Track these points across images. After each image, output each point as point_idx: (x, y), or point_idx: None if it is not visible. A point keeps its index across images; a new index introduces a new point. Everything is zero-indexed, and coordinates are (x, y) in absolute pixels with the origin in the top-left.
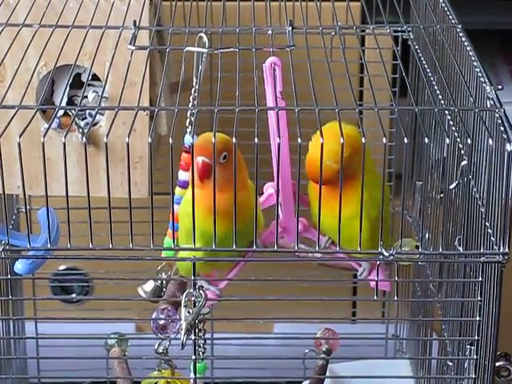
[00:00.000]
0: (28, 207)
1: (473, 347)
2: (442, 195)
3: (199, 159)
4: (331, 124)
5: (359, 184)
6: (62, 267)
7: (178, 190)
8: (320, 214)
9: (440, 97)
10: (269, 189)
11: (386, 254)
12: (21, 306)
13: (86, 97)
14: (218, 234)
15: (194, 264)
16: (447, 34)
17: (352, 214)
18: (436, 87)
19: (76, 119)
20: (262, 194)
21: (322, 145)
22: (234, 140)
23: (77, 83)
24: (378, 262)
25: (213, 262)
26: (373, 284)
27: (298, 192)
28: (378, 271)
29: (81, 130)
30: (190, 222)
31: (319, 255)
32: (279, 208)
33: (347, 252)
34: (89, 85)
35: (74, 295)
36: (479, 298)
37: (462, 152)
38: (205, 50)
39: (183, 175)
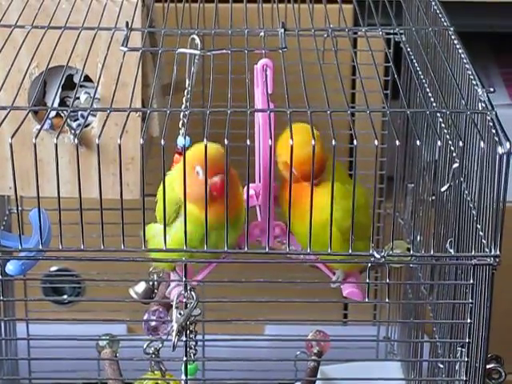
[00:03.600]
0: (19, 208)
1: (464, 349)
2: (433, 198)
3: (217, 179)
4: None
5: (328, 192)
6: (53, 268)
7: None
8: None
9: (432, 99)
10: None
11: (377, 255)
12: (12, 307)
13: (78, 98)
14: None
15: (185, 265)
16: (439, 36)
17: (322, 223)
18: (428, 90)
19: (68, 120)
20: None
21: (291, 148)
22: (226, 142)
23: (69, 84)
24: (370, 265)
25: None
26: (345, 293)
27: (290, 193)
28: (368, 273)
29: (73, 131)
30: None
31: (313, 257)
32: (258, 209)
33: (337, 254)
34: (81, 86)
35: (65, 296)
36: (470, 301)
37: (454, 154)
38: (197, 52)
39: None
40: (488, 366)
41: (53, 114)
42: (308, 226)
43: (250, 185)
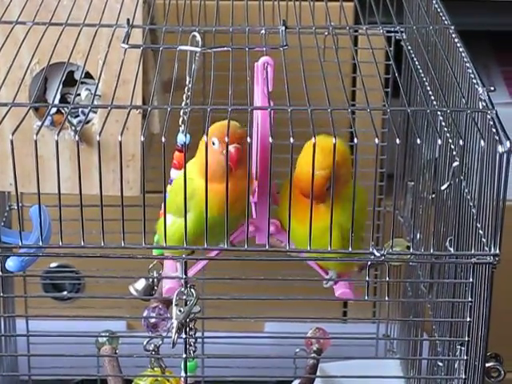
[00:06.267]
0: (20, 204)
1: (463, 348)
2: (433, 196)
3: (232, 147)
4: (320, 139)
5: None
6: (53, 265)
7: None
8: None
9: (432, 98)
10: None
11: (377, 253)
12: (12, 304)
13: (79, 95)
14: (214, 217)
15: (186, 263)
16: (440, 34)
17: (324, 227)
18: (428, 88)
19: (69, 117)
20: None
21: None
22: (226, 139)
23: (70, 81)
24: (367, 264)
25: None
26: (337, 293)
27: (290, 193)
28: (368, 272)
29: (73, 128)
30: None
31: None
32: (253, 206)
33: (337, 252)
34: (82, 83)
35: (65, 293)
36: (470, 299)
37: (454, 153)
38: (198, 49)
39: (175, 174)
40: (487, 365)
41: (53, 110)
42: (307, 230)
43: None
